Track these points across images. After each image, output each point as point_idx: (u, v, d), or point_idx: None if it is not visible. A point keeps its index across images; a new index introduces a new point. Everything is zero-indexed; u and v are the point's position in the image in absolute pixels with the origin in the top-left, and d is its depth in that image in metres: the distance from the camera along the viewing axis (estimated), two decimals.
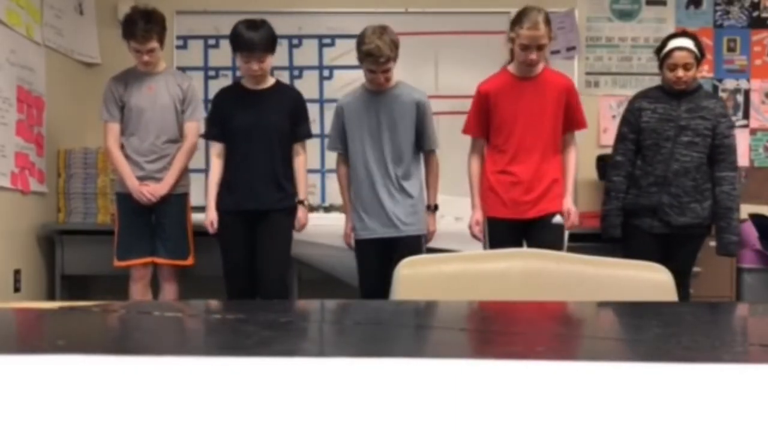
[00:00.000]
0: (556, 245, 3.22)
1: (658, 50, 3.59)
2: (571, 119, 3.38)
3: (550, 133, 3.35)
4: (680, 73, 3.44)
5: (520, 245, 3.31)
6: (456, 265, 1.34)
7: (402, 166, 3.49)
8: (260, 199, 3.51)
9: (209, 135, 3.70)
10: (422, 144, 3.56)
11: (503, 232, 3.37)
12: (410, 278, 1.24)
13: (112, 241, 3.79)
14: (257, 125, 3.52)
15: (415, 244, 3.44)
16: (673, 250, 3.40)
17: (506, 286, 1.25)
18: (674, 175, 3.44)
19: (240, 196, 3.52)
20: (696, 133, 3.44)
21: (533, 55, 3.25)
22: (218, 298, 3.75)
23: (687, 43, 3.50)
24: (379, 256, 3.43)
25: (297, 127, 3.62)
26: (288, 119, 3.58)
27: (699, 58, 3.52)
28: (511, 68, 3.38)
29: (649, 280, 1.26)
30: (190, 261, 3.74)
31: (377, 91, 3.50)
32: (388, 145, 3.48)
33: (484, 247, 3.41)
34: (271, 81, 3.62)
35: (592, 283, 1.25)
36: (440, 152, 3.65)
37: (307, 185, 3.71)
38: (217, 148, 3.64)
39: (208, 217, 3.56)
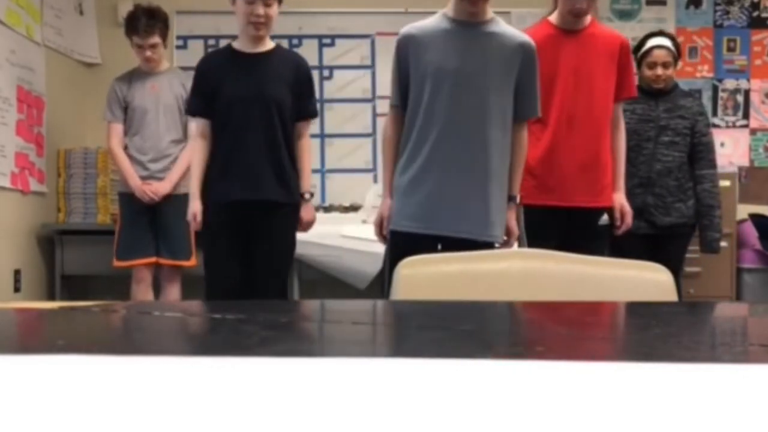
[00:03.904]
0: (598, 252, 2.61)
1: (636, 49, 3.58)
2: (621, 85, 2.85)
3: (600, 99, 2.80)
4: (659, 71, 3.46)
5: (562, 237, 2.73)
6: (456, 265, 1.33)
7: (495, 134, 2.49)
8: (261, 188, 2.88)
9: (190, 109, 3.07)
10: (521, 108, 2.55)
11: (543, 222, 2.79)
12: (410, 278, 1.24)
13: (113, 241, 3.79)
14: (253, 96, 2.87)
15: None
16: (661, 251, 3.39)
17: (506, 286, 1.25)
18: (657, 175, 3.44)
19: (236, 183, 2.89)
20: (676, 132, 3.45)
21: (582, 4, 2.73)
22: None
23: (665, 41, 3.52)
24: (418, 253, 2.57)
25: (301, 102, 2.96)
26: (290, 91, 2.92)
27: (676, 58, 3.53)
28: (552, 19, 2.84)
29: (649, 280, 1.26)
30: (192, 261, 3.73)
31: (469, 22, 2.49)
32: (488, 103, 2.47)
33: (520, 243, 2.78)
34: (270, 44, 2.97)
35: (592, 283, 1.25)
36: None
37: (310, 176, 3.08)
38: (200, 126, 2.97)
39: (192, 209, 2.92)
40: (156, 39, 3.65)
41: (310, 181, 3.05)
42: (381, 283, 2.77)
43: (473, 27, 2.50)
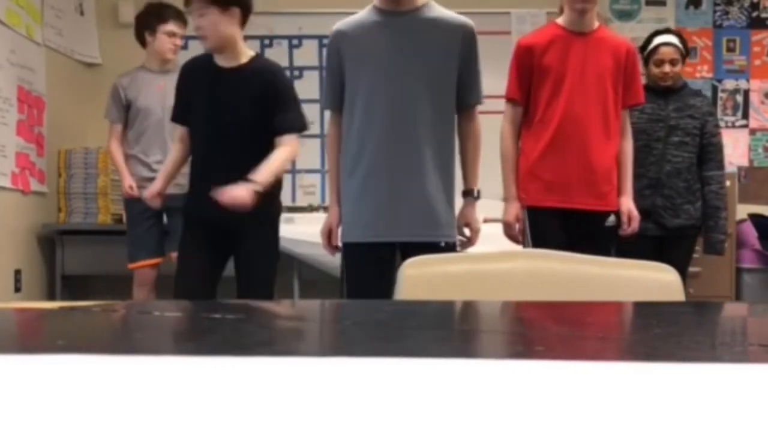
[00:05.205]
0: (603, 254, 2.67)
1: (643, 47, 3.56)
2: (628, 91, 2.86)
3: (607, 103, 2.80)
4: (666, 68, 3.43)
5: (567, 239, 2.71)
6: (461, 265, 1.32)
7: (440, 129, 2.36)
8: (221, 207, 2.63)
9: (172, 115, 2.99)
10: (464, 95, 2.41)
11: (547, 224, 2.78)
12: (415, 278, 1.23)
13: (114, 242, 3.78)
14: (217, 115, 2.72)
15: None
16: (668, 252, 3.36)
17: (511, 287, 1.24)
18: (667, 176, 3.41)
19: (201, 199, 2.73)
20: (686, 132, 3.42)
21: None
22: (221, 298, 3.75)
23: (672, 39, 3.49)
24: (378, 263, 2.38)
25: (276, 117, 2.73)
26: (258, 108, 2.71)
27: (684, 55, 3.51)
28: (560, 21, 2.86)
29: (656, 281, 1.25)
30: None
31: (398, 12, 2.34)
32: (419, 95, 2.32)
33: (524, 245, 2.80)
34: (245, 56, 2.77)
35: (598, 284, 1.24)
36: None
37: (275, 176, 2.73)
38: (179, 132, 2.93)
39: (149, 189, 3.02)
40: (184, 27, 3.62)
41: (267, 178, 2.68)
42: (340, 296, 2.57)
43: (404, 16, 2.34)
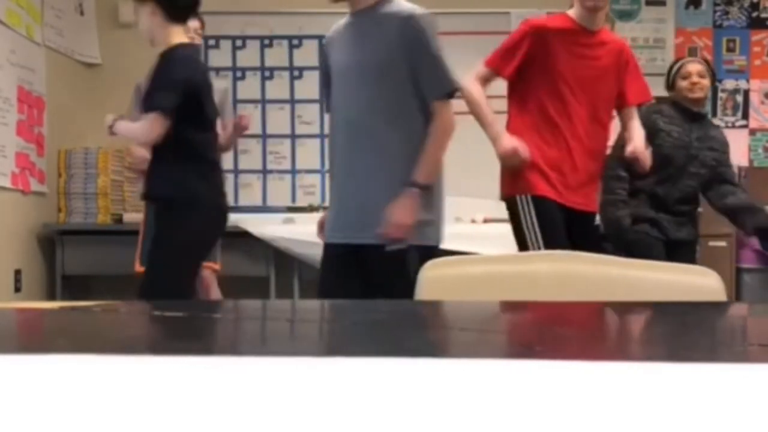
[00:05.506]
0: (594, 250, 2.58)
1: (668, 72, 3.53)
2: (634, 87, 2.88)
3: (602, 105, 2.82)
4: (695, 78, 3.38)
5: (569, 235, 2.74)
6: (483, 267, 1.28)
7: (395, 129, 2.25)
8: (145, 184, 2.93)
9: None
10: (422, 91, 2.25)
11: (553, 211, 2.74)
12: (434, 280, 1.19)
13: (124, 244, 3.74)
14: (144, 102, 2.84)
15: (397, 260, 2.17)
16: (673, 256, 3.38)
17: (534, 289, 1.19)
18: (673, 202, 3.42)
19: None
20: (703, 164, 3.42)
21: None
22: (227, 298, 3.75)
23: (697, 59, 3.54)
24: (349, 268, 2.32)
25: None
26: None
27: (710, 75, 3.49)
28: (571, 14, 2.81)
29: (693, 285, 1.16)
30: (217, 265, 3.67)
31: (358, 12, 2.32)
32: (368, 94, 2.24)
33: (531, 233, 2.73)
34: (166, 46, 2.76)
35: (629, 288, 1.17)
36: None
37: (123, 132, 2.88)
38: None
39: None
40: (201, 27, 3.60)
41: (121, 125, 2.84)
42: None
43: (363, 15, 2.29)
